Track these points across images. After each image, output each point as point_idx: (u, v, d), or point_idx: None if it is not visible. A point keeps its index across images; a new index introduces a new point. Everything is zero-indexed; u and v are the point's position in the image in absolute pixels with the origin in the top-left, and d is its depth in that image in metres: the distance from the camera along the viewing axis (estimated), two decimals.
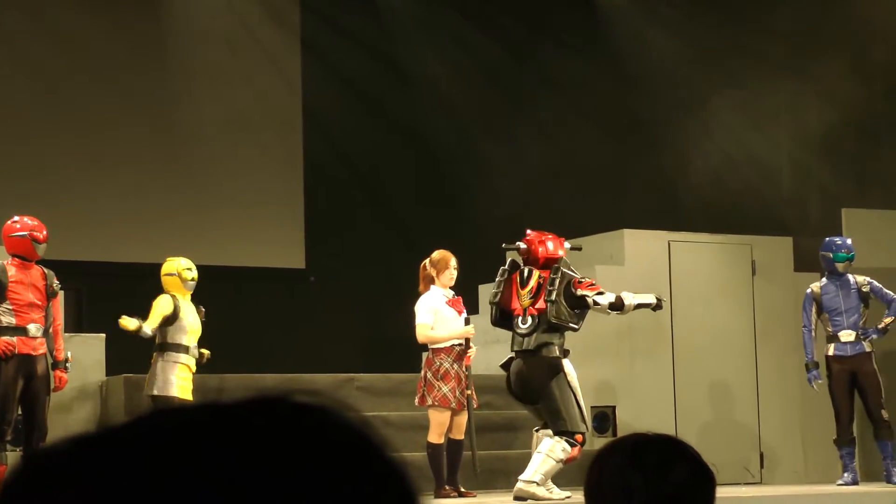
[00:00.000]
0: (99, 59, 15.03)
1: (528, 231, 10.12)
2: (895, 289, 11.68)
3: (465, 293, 10.77)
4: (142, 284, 11.02)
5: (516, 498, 9.63)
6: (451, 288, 10.34)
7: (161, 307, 10.43)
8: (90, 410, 11.31)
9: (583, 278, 9.88)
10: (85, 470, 0.83)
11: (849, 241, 11.72)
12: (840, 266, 11.57)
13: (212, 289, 11.44)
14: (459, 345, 10.20)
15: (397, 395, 11.96)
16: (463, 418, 10.18)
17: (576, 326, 9.79)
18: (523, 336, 9.82)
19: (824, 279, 11.70)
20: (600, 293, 9.77)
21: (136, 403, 10.77)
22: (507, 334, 10.06)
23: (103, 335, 11.48)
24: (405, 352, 12.04)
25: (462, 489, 10.22)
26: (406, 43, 15.99)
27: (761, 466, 13.05)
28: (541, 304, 9.77)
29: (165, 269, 10.70)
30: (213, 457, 0.82)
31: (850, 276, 11.59)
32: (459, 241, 11.72)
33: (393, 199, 16.30)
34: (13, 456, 9.82)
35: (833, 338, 11.55)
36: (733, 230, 13.52)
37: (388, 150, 16.17)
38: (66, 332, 10.37)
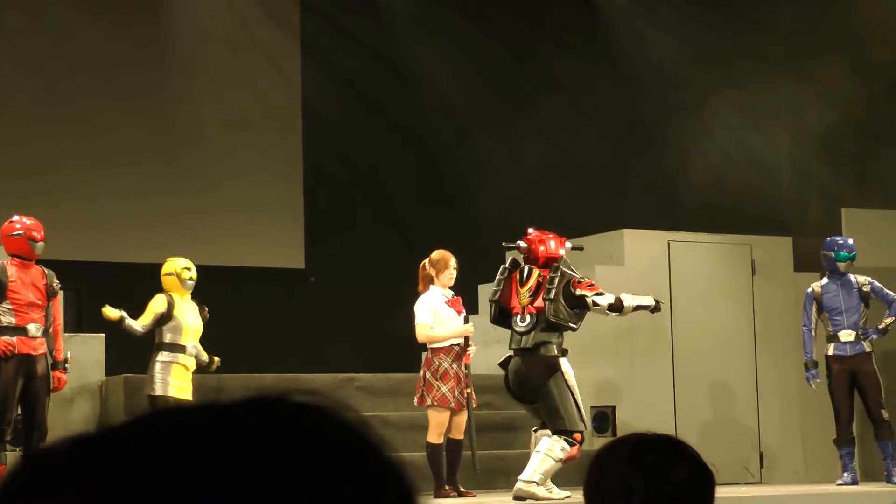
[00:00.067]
0: (99, 59, 15.03)
1: (530, 230, 10.12)
2: (894, 288, 11.68)
3: (465, 293, 10.77)
4: (142, 284, 11.02)
5: (516, 498, 9.62)
6: (450, 288, 10.34)
7: (154, 305, 10.47)
8: (90, 410, 11.31)
9: (582, 278, 9.88)
10: (84, 470, 0.83)
11: (850, 241, 11.72)
12: (842, 266, 11.57)
13: (211, 289, 11.44)
14: (458, 344, 10.20)
15: (397, 395, 11.96)
16: (462, 418, 10.18)
17: (574, 326, 9.79)
18: (521, 334, 9.82)
19: (825, 279, 11.70)
20: (599, 294, 9.77)
21: (136, 403, 10.77)
22: (507, 334, 10.06)
23: (103, 335, 11.49)
24: (405, 352, 12.04)
25: (462, 489, 10.22)
26: (406, 43, 15.99)
27: (761, 466, 13.06)
28: (539, 302, 9.77)
29: (165, 269, 10.73)
30: (212, 457, 0.82)
31: (852, 276, 11.60)
32: (459, 241, 11.72)
33: (393, 199, 16.30)
34: (13, 456, 9.82)
35: (833, 337, 11.55)
36: (733, 230, 13.52)
37: (387, 150, 16.17)
38: (65, 331, 10.36)
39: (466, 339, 10.21)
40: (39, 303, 9.89)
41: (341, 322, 15.41)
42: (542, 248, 9.97)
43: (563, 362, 9.74)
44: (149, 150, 15.13)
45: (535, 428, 9.95)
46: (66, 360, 10.05)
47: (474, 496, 10.26)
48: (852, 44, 14.71)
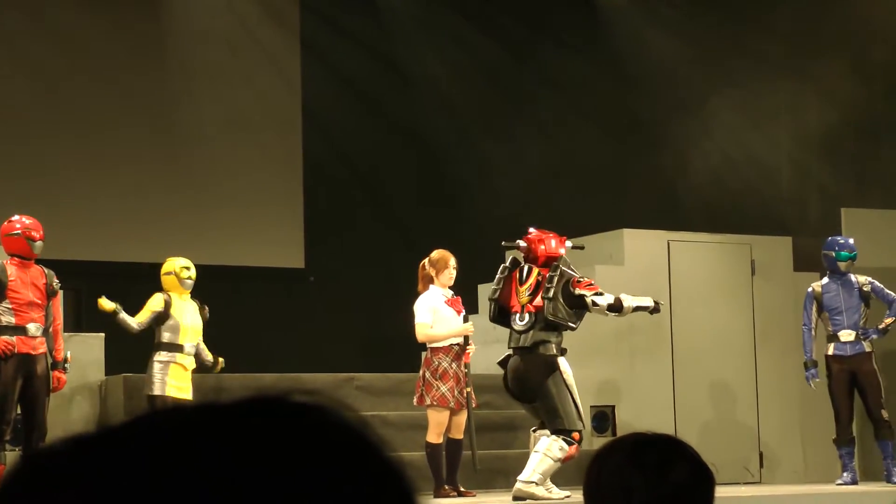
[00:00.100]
0: (99, 59, 15.03)
1: (531, 230, 10.13)
2: (894, 288, 11.68)
3: (465, 293, 10.77)
4: (141, 284, 11.02)
5: (515, 498, 9.62)
6: (450, 288, 10.34)
7: (151, 303, 10.51)
8: (89, 410, 11.31)
9: (581, 278, 9.88)
10: (84, 470, 0.83)
11: (851, 241, 11.72)
12: (842, 265, 11.57)
13: (211, 288, 11.44)
14: (458, 344, 10.20)
15: (397, 394, 11.96)
16: (462, 418, 10.18)
17: (573, 325, 9.79)
18: (520, 333, 9.83)
19: (826, 278, 11.70)
20: (599, 294, 9.77)
21: (136, 403, 10.77)
22: (507, 334, 10.06)
23: (102, 335, 11.49)
24: (404, 351, 12.05)
25: (461, 489, 10.21)
26: (406, 43, 15.99)
27: (761, 466, 13.06)
28: (538, 301, 9.77)
29: (164, 268, 10.76)
30: (212, 457, 0.82)
31: (852, 276, 11.60)
32: (459, 240, 11.72)
33: (393, 198, 16.30)
34: (12, 456, 9.81)
35: (833, 337, 11.55)
36: (733, 230, 13.53)
37: (387, 150, 16.16)
38: (65, 331, 10.36)
39: (466, 338, 10.21)
40: (39, 302, 9.89)
41: (341, 322, 15.41)
42: (541, 246, 9.97)
43: (562, 361, 9.73)
44: (149, 149, 15.13)
45: (534, 428, 9.95)
46: (65, 360, 10.05)
47: (474, 496, 10.26)
48: (852, 44, 14.71)
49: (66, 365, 10.05)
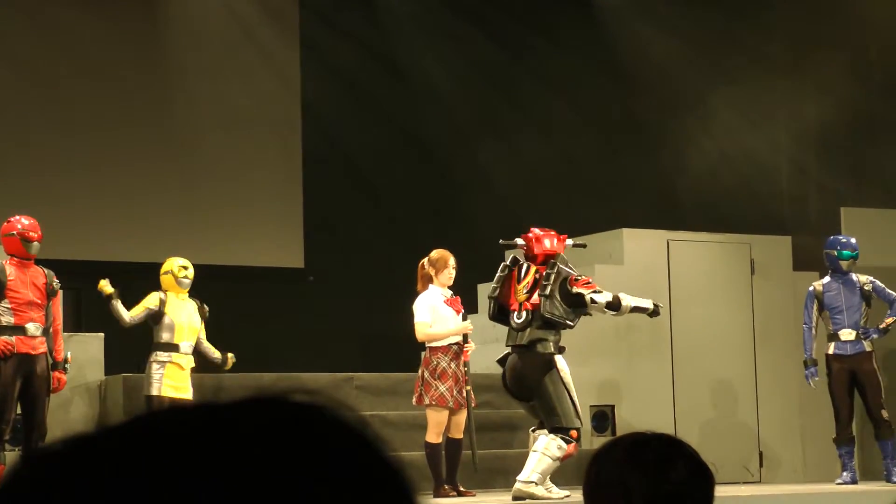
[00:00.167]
0: (98, 58, 15.02)
1: (533, 229, 10.13)
2: (894, 287, 11.68)
3: (464, 293, 10.77)
4: (141, 284, 11.02)
5: (515, 498, 9.62)
6: (449, 287, 10.34)
7: (146, 301, 10.55)
8: (88, 410, 11.31)
9: (580, 276, 9.87)
10: (83, 470, 0.83)
11: (853, 240, 11.71)
12: (844, 264, 11.56)
13: (211, 288, 11.45)
14: (457, 343, 10.19)
15: (396, 394, 11.96)
16: (461, 417, 10.17)
17: (571, 323, 9.78)
18: (517, 331, 9.83)
19: (827, 277, 11.69)
20: (597, 291, 9.76)
21: (135, 403, 10.78)
22: (506, 333, 10.06)
23: (102, 335, 11.49)
24: (404, 351, 12.04)
25: (461, 488, 10.21)
26: (405, 43, 16.00)
27: (760, 465, 13.06)
28: (536, 299, 9.77)
29: (163, 267, 10.79)
30: (211, 457, 0.82)
31: (853, 275, 11.60)
32: (458, 240, 11.72)
33: (392, 198, 16.29)
34: (12, 456, 9.81)
35: (833, 336, 11.54)
36: (732, 229, 13.53)
37: (387, 149, 16.16)
38: (65, 331, 10.36)
39: (465, 336, 10.21)
40: (39, 302, 9.90)
41: (340, 321, 15.41)
42: (539, 244, 9.98)
43: (559, 359, 9.72)
44: (148, 149, 15.12)
45: (533, 428, 9.94)
46: (66, 361, 10.06)
47: (474, 496, 10.26)
48: (851, 42, 14.72)
49: (66, 365, 10.05)
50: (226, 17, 15.69)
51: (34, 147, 14.59)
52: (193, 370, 10.62)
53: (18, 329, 9.79)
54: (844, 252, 11.59)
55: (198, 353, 10.76)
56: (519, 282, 9.95)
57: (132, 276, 11.10)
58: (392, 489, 0.87)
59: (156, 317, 10.51)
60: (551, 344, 9.75)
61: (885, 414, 11.33)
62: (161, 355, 10.44)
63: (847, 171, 14.73)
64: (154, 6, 15.37)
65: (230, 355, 10.83)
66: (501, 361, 9.96)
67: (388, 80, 16.11)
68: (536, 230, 10.10)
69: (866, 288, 11.54)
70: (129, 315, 10.43)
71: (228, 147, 15.59)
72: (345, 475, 0.84)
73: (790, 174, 15.29)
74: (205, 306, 10.80)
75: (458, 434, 10.17)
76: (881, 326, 11.45)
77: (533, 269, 9.93)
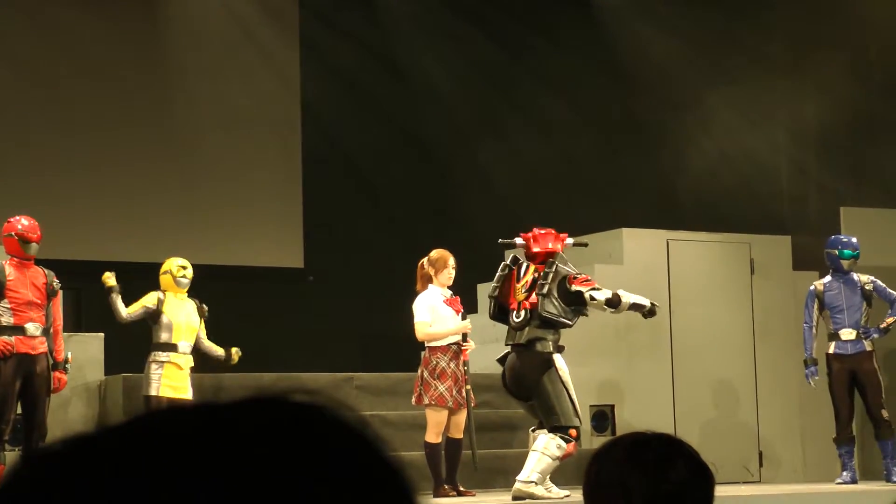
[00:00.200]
0: (98, 58, 15.02)
1: (535, 229, 10.13)
2: (894, 287, 11.67)
3: (464, 292, 10.77)
4: (141, 284, 11.02)
5: (515, 498, 9.61)
6: (448, 287, 10.33)
7: (144, 299, 10.57)
8: (88, 410, 11.31)
9: (578, 274, 9.85)
10: (83, 470, 0.83)
11: (854, 240, 11.71)
12: (845, 263, 11.56)
13: (211, 288, 11.45)
14: (456, 343, 10.19)
15: (396, 394, 11.96)
16: (461, 417, 10.17)
17: (569, 322, 9.77)
18: (516, 330, 9.83)
19: (828, 276, 11.69)
20: (596, 289, 9.74)
21: (134, 403, 10.78)
22: (505, 333, 10.06)
23: (102, 335, 11.50)
24: (404, 351, 12.04)
25: (461, 488, 10.21)
26: (405, 42, 15.99)
27: (760, 465, 13.06)
28: (534, 298, 9.77)
29: (162, 267, 10.79)
30: (212, 457, 0.82)
31: (854, 275, 11.59)
32: (458, 240, 11.72)
33: (392, 198, 16.29)
34: (12, 455, 9.81)
35: (834, 336, 11.54)
36: (732, 229, 13.53)
37: (387, 148, 16.16)
38: (64, 331, 10.37)
39: (464, 335, 10.20)
40: (38, 302, 9.90)
41: (340, 321, 15.41)
42: (538, 244, 9.98)
43: (557, 358, 9.71)
44: (148, 149, 15.13)
45: (533, 427, 9.94)
46: (66, 361, 10.06)
47: (473, 495, 10.26)
48: (851, 42, 14.72)
49: (66, 365, 10.06)
50: (226, 17, 15.69)
51: (34, 147, 14.58)
52: (193, 370, 10.62)
53: (18, 329, 9.79)
54: (846, 251, 11.59)
55: (201, 353, 10.76)
56: (518, 281, 9.95)
57: (132, 276, 11.09)
58: (392, 489, 0.87)
59: (154, 316, 10.52)
60: (550, 343, 9.74)
61: (885, 414, 11.33)
62: (159, 355, 10.45)
63: (847, 171, 14.73)
64: (154, 6, 15.37)
65: (234, 350, 10.83)
66: (501, 361, 9.96)
67: (388, 80, 16.11)
68: (537, 230, 10.10)
69: (867, 287, 11.54)
70: (126, 311, 10.45)
71: (228, 147, 15.59)
72: (345, 475, 0.84)
73: (790, 174, 15.29)
74: (204, 306, 10.80)
75: (457, 434, 10.17)
76: (882, 326, 11.45)
77: (532, 268, 9.94)
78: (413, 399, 10.26)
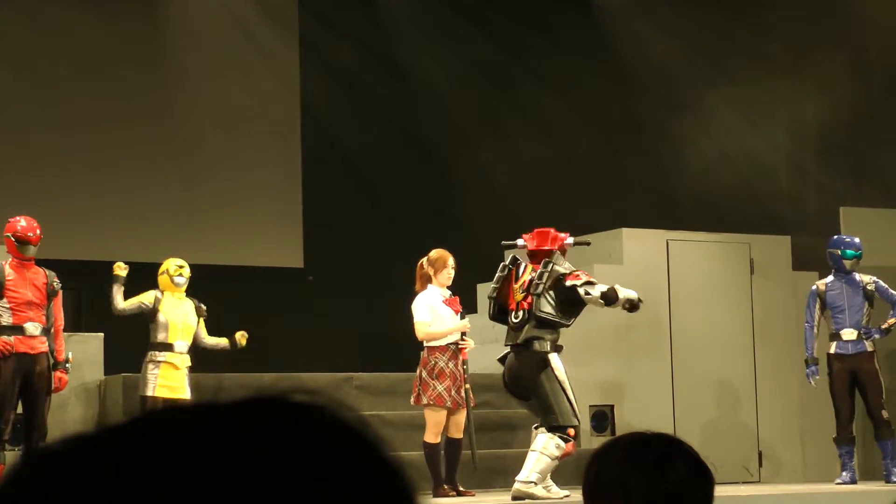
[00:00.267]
0: (98, 58, 15.02)
1: (536, 230, 10.12)
2: (895, 287, 11.67)
3: (463, 292, 10.77)
4: (141, 284, 11.02)
5: (514, 498, 9.61)
6: (447, 287, 10.33)
7: (142, 296, 10.58)
8: (88, 410, 11.31)
9: (573, 271, 9.80)
10: (83, 470, 0.83)
11: (857, 240, 11.69)
12: (847, 263, 11.55)
13: (211, 288, 11.44)
14: (455, 343, 10.19)
15: (396, 394, 11.95)
16: (460, 417, 10.17)
17: (566, 322, 9.74)
18: (514, 330, 9.82)
19: (830, 276, 11.68)
20: (591, 284, 9.67)
21: (134, 403, 10.78)
22: (504, 333, 10.05)
23: (101, 335, 11.50)
24: (403, 351, 12.03)
25: (461, 488, 10.20)
26: (405, 42, 16.00)
27: (760, 465, 13.06)
28: (531, 298, 9.76)
29: (161, 267, 10.80)
30: (211, 457, 0.82)
31: (856, 275, 11.58)
32: (457, 240, 11.72)
33: (391, 198, 16.29)
34: (12, 455, 9.81)
35: (835, 336, 11.53)
36: (731, 229, 13.53)
37: (386, 148, 16.16)
38: (64, 331, 10.36)
39: (463, 334, 10.20)
40: (38, 302, 9.91)
41: (340, 321, 15.41)
42: (533, 243, 9.97)
43: (553, 357, 9.68)
44: (148, 149, 15.13)
45: (536, 425, 9.93)
46: (67, 360, 10.06)
47: (473, 495, 10.25)
48: (850, 42, 14.72)
49: (67, 365, 10.06)
50: (226, 17, 15.69)
51: (34, 147, 14.58)
52: (191, 370, 10.61)
53: (17, 329, 9.80)
54: (848, 251, 11.58)
55: (206, 350, 10.76)
56: (516, 281, 9.94)
57: (132, 276, 11.09)
58: (392, 489, 0.87)
59: (151, 315, 10.52)
60: (548, 343, 9.72)
61: (885, 414, 11.32)
62: (156, 355, 10.45)
63: (846, 171, 14.73)
64: (154, 6, 15.37)
65: (239, 333, 10.82)
66: (502, 360, 9.95)
67: (387, 80, 16.10)
68: (537, 230, 10.09)
69: (869, 288, 11.53)
70: (122, 303, 10.46)
71: (228, 147, 15.59)
72: (345, 475, 0.84)
73: (790, 174, 15.29)
74: (202, 305, 10.80)
75: (457, 434, 10.16)
76: (883, 327, 11.43)
77: (529, 268, 9.93)
78: (412, 399, 10.25)
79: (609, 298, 9.65)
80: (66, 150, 14.75)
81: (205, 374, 10.93)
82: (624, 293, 9.72)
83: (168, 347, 10.48)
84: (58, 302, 10.11)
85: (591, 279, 9.78)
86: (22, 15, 14.74)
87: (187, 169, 15.34)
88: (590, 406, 12.04)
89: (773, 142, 15.24)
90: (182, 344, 10.53)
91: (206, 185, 15.43)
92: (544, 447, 9.56)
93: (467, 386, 10.15)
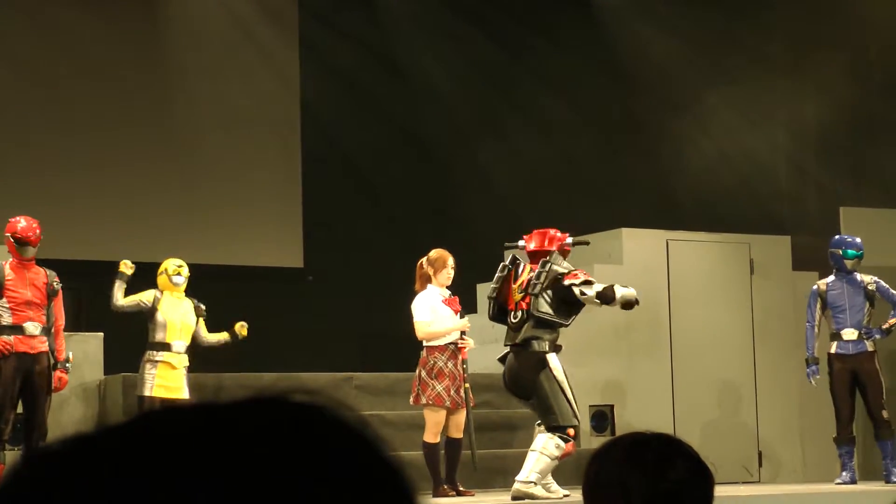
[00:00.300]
0: (98, 58, 15.02)
1: (536, 230, 10.12)
2: (895, 287, 11.66)
3: (463, 292, 10.77)
4: (141, 284, 11.02)
5: (514, 498, 9.60)
6: (447, 287, 10.33)
7: (141, 294, 10.59)
8: (88, 410, 11.31)
9: (571, 271, 9.79)
10: (83, 470, 0.83)
11: (858, 240, 11.68)
12: (849, 263, 11.55)
13: (211, 288, 11.44)
14: (454, 343, 10.19)
15: (395, 394, 11.95)
16: (460, 417, 10.16)
17: (564, 322, 9.73)
18: (514, 330, 9.82)
19: (832, 276, 11.67)
20: (588, 283, 9.66)
21: (134, 403, 10.78)
22: (504, 333, 10.05)
23: (101, 334, 11.50)
24: (403, 351, 12.03)
25: (461, 488, 10.20)
26: (405, 42, 16.00)
27: (760, 465, 13.06)
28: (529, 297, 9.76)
29: (160, 267, 10.80)
30: (211, 457, 0.82)
31: (857, 275, 11.58)
32: (458, 240, 11.72)
33: (391, 198, 16.30)
34: (12, 455, 9.81)
35: (836, 336, 11.52)
36: (731, 229, 13.53)
37: (386, 148, 16.16)
38: (64, 331, 10.36)
39: (462, 333, 10.20)
40: (38, 301, 9.91)
41: (340, 321, 15.41)
42: (532, 243, 9.97)
43: (552, 357, 9.67)
44: (148, 149, 15.13)
45: (538, 422, 9.91)
46: (67, 360, 10.06)
47: (473, 495, 10.25)
48: (851, 42, 14.72)
49: (67, 365, 10.06)
50: (226, 17, 15.69)
51: (34, 147, 14.59)
52: (189, 370, 10.60)
53: (16, 328, 9.80)
54: (849, 251, 11.57)
55: (207, 348, 10.76)
56: (515, 281, 9.94)
57: (132, 275, 11.09)
58: (392, 489, 0.87)
59: (149, 314, 10.52)
60: (546, 342, 9.71)
61: (885, 414, 11.32)
62: (153, 354, 10.45)
63: (846, 171, 14.73)
64: (154, 6, 15.38)
65: (238, 325, 10.83)
66: (502, 360, 9.95)
67: (387, 79, 16.11)
68: (537, 230, 10.09)
69: (870, 288, 11.53)
70: (121, 299, 10.46)
71: (228, 147, 15.59)
72: (345, 475, 0.84)
73: (789, 174, 15.29)
74: (201, 305, 10.80)
75: (457, 434, 10.16)
76: (884, 327, 11.42)
77: (528, 268, 9.93)
78: (411, 399, 10.25)
79: (605, 297, 9.61)
80: (66, 150, 14.75)
81: (204, 374, 10.93)
82: (621, 292, 9.71)
83: (166, 347, 10.47)
84: (58, 302, 10.11)
85: (590, 278, 9.77)
86: (22, 15, 14.74)
87: (187, 169, 15.34)
88: (590, 406, 12.04)
89: (772, 142, 15.23)
90: (180, 344, 10.52)
91: (206, 185, 15.43)
92: (544, 447, 9.56)
93: (467, 385, 10.15)
